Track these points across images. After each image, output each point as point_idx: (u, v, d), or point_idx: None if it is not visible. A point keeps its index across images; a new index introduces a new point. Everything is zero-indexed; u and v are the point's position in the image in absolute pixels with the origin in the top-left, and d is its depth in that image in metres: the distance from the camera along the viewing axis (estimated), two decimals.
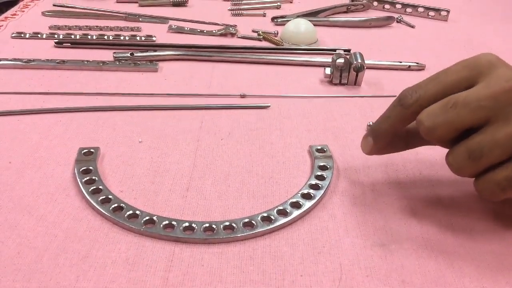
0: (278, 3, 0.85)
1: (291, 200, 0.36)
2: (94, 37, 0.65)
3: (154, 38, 0.66)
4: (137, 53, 0.59)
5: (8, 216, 0.34)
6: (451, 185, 0.38)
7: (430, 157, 0.42)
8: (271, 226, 0.33)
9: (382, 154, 0.38)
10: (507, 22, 0.82)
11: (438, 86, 0.32)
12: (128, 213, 0.34)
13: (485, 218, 0.35)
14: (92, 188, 0.36)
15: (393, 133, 0.35)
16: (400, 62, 0.61)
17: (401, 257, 0.31)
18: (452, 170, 0.32)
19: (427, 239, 0.33)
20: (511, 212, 0.36)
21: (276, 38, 0.68)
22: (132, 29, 0.69)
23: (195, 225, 0.33)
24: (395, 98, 0.34)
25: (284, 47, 0.66)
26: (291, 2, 0.88)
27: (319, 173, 0.39)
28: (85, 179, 0.37)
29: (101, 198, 0.35)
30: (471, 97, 0.30)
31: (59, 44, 0.62)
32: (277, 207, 0.35)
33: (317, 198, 0.36)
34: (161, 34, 0.68)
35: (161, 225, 0.33)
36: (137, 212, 0.34)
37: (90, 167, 0.38)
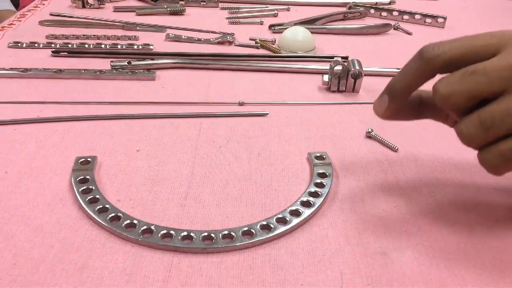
0: (275, 11, 0.85)
1: (290, 208, 0.35)
2: (91, 46, 0.65)
3: (151, 47, 0.66)
4: (135, 62, 0.59)
5: (4, 227, 0.33)
6: (451, 192, 0.38)
7: (430, 164, 0.42)
8: (271, 235, 0.33)
9: (394, 120, 0.36)
10: (503, 29, 0.82)
11: (463, 48, 0.31)
12: (125, 222, 0.33)
13: (487, 224, 0.35)
14: (89, 197, 0.35)
15: (409, 91, 0.34)
16: (398, 68, 0.61)
17: (402, 265, 0.31)
18: (462, 137, 0.31)
19: (428, 247, 0.33)
20: None
21: (274, 45, 0.68)
22: (129, 38, 0.69)
23: (194, 234, 0.33)
24: None
25: (282, 54, 0.66)
26: (288, 10, 0.88)
27: (318, 181, 0.38)
28: (82, 188, 0.36)
29: (98, 207, 0.34)
30: (490, 67, 0.30)
31: (56, 53, 0.62)
32: (276, 215, 0.35)
33: (316, 206, 0.36)
34: (158, 42, 0.68)
35: (159, 235, 0.32)
36: (135, 221, 0.33)
37: (87, 176, 0.38)
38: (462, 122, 0.31)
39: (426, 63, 0.32)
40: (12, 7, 1.30)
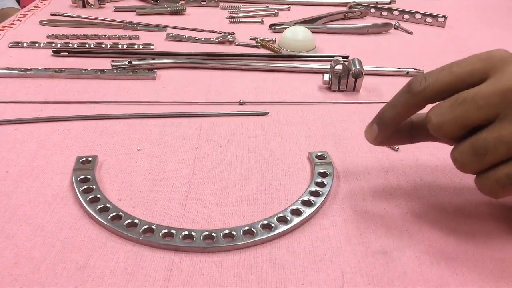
0: (276, 11, 0.85)
1: (291, 207, 0.35)
2: (92, 46, 0.65)
3: (152, 46, 0.66)
4: (135, 61, 0.59)
5: (5, 226, 0.33)
6: (452, 191, 0.38)
7: (431, 163, 0.42)
8: (272, 234, 0.33)
9: (386, 145, 0.36)
10: (504, 28, 0.82)
11: (450, 76, 0.31)
12: (126, 221, 0.33)
13: (488, 224, 0.35)
14: (90, 197, 0.35)
15: (399, 121, 0.34)
16: (398, 68, 0.61)
17: (403, 265, 0.31)
18: (457, 165, 0.31)
19: (429, 246, 0.33)
20: None
21: (274, 45, 0.68)
22: (130, 38, 0.69)
23: (195, 234, 0.33)
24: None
25: (282, 54, 0.66)
26: (288, 10, 0.88)
27: (319, 180, 0.38)
28: (83, 188, 0.36)
29: (99, 207, 0.34)
30: (479, 95, 0.30)
31: (57, 53, 0.62)
32: (277, 214, 0.35)
33: (317, 205, 0.36)
34: (159, 42, 0.68)
35: (160, 234, 0.32)
36: (136, 220, 0.33)
37: (88, 176, 0.38)
38: (456, 150, 0.31)
39: (414, 96, 0.32)
40: (16, 5, 1.30)
